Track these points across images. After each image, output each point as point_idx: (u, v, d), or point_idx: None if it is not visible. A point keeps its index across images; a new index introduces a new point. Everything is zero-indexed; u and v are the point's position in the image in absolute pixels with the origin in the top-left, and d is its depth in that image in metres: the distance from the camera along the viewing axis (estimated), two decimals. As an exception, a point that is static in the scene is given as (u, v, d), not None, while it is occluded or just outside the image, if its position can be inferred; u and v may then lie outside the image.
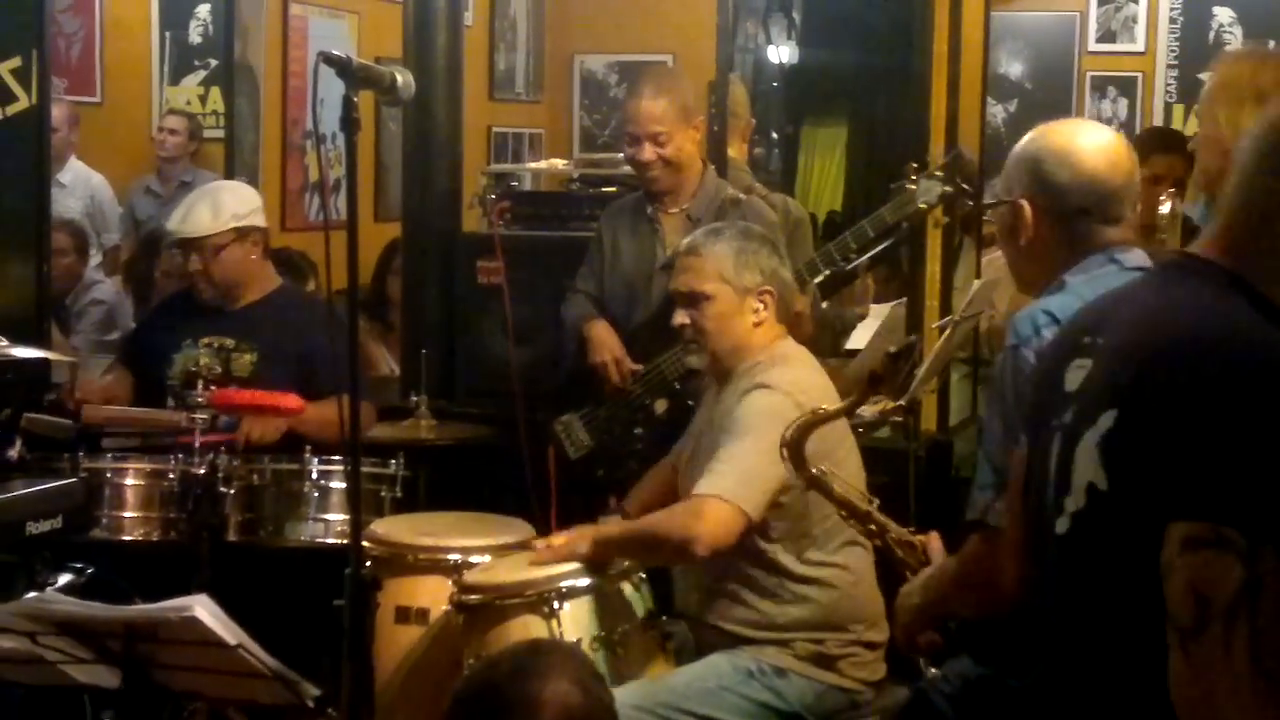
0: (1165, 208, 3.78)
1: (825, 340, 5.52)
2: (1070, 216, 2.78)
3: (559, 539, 3.72)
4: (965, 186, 6.64)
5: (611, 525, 3.83)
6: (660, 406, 4.46)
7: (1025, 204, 2.80)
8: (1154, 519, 1.82)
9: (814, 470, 3.17)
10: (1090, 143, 2.82)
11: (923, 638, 2.86)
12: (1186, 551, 1.78)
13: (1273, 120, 1.98)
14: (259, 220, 4.84)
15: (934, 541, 3.00)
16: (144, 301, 6.84)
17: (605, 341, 4.56)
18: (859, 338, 5.87)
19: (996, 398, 2.70)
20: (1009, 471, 2.38)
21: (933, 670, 3.02)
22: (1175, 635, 1.80)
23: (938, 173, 4.47)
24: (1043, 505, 2.08)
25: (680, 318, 3.79)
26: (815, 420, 3.16)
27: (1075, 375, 2.06)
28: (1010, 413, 2.60)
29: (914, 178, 4.45)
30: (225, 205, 4.75)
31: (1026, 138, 2.87)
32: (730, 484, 3.46)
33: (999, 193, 2.89)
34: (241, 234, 4.75)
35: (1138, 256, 2.77)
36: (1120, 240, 2.79)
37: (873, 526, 3.10)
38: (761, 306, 3.75)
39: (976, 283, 5.07)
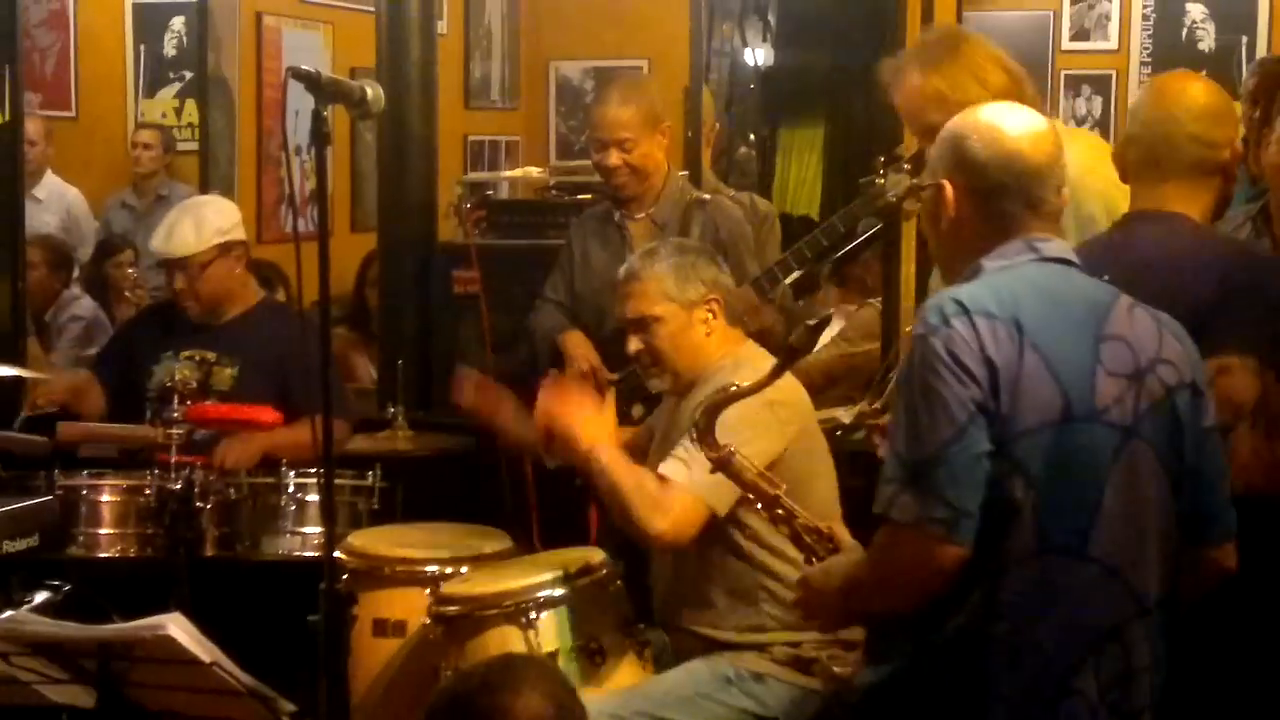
0: None
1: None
2: (989, 195, 2.69)
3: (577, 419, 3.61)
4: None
5: (612, 453, 3.61)
6: (637, 412, 4.45)
7: (946, 183, 2.72)
8: None
9: (722, 450, 3.06)
10: (1015, 122, 2.73)
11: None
12: None
13: None
14: (240, 234, 4.81)
15: (840, 529, 2.97)
16: (107, 308, 6.84)
17: (582, 352, 4.56)
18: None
19: (910, 388, 2.57)
20: (922, 464, 2.47)
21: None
22: None
23: (905, 165, 4.46)
24: None
25: (634, 345, 3.77)
26: (726, 398, 3.06)
27: None
28: (943, 395, 2.50)
29: (882, 172, 4.45)
30: (208, 221, 4.71)
31: (951, 120, 2.78)
32: (700, 477, 3.39)
33: (924, 178, 2.81)
34: (225, 249, 4.71)
35: (1057, 246, 2.71)
36: (1041, 229, 2.71)
37: (780, 511, 3.03)
38: (710, 315, 3.75)
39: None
